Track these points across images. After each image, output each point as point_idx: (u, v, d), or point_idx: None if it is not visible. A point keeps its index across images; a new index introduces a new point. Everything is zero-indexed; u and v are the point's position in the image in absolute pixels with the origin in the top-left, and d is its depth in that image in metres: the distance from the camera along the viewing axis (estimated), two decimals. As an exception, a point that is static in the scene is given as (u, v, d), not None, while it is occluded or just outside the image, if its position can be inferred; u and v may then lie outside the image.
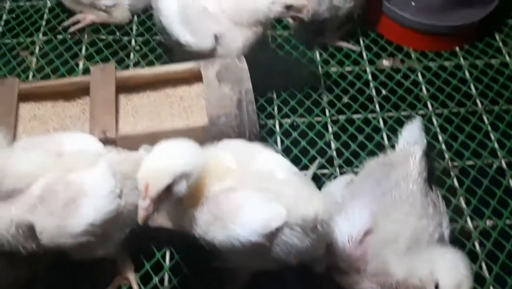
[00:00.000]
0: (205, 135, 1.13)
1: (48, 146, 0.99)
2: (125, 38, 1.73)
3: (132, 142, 1.10)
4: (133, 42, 1.73)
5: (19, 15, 1.82)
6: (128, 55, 1.69)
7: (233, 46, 1.24)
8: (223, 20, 1.24)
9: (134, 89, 1.29)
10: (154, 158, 0.85)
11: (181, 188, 0.83)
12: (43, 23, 1.79)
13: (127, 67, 1.65)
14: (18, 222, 0.90)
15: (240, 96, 1.12)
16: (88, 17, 1.73)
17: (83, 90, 1.27)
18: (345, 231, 1.03)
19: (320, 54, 1.70)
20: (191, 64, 1.23)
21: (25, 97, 1.24)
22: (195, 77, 1.28)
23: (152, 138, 0.95)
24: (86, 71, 1.63)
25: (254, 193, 0.88)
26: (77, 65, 1.66)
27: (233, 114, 1.12)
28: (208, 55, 1.25)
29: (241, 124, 1.12)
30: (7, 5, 1.86)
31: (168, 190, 0.82)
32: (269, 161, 0.94)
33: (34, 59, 1.68)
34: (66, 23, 1.75)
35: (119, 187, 0.98)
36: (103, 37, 1.74)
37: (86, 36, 1.74)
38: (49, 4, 1.85)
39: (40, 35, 1.75)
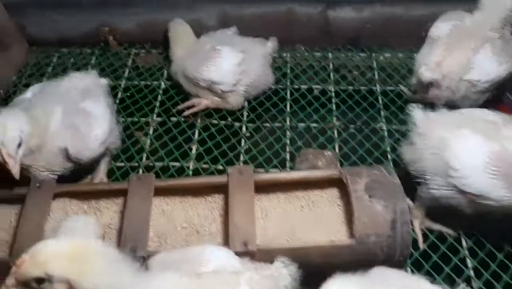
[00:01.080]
0: (351, 253, 1.04)
1: (185, 265, 0.95)
2: (237, 124, 1.74)
3: (270, 255, 1.03)
4: (244, 128, 1.73)
5: (134, 94, 1.88)
6: (239, 142, 1.69)
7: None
8: None
9: (263, 189, 1.24)
10: None
11: None
12: (157, 104, 1.84)
13: (238, 154, 1.64)
14: None
15: (395, 216, 1.04)
16: (203, 102, 1.75)
17: (213, 188, 1.24)
18: None
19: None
20: (332, 172, 1.17)
21: (157, 191, 1.22)
22: (328, 182, 1.22)
23: (292, 252, 0.93)
24: (199, 156, 1.64)
25: None
26: (190, 149, 1.67)
27: (385, 235, 1.03)
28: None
29: (393, 245, 1.03)
30: (122, 83, 1.94)
31: None
32: None
33: (148, 141, 1.71)
34: (180, 107, 1.78)
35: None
36: (215, 122, 1.75)
37: (199, 120, 1.76)
38: (163, 85, 1.91)
39: (155, 116, 1.79)
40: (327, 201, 1.21)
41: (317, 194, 1.23)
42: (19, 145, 1.17)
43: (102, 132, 1.38)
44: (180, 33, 1.79)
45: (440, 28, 1.56)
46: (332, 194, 1.22)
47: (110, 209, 1.27)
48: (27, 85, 1.95)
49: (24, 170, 1.24)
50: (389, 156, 1.59)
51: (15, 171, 1.16)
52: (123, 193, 1.23)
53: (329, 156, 1.47)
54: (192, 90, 1.76)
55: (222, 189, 1.23)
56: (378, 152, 1.59)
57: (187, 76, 1.72)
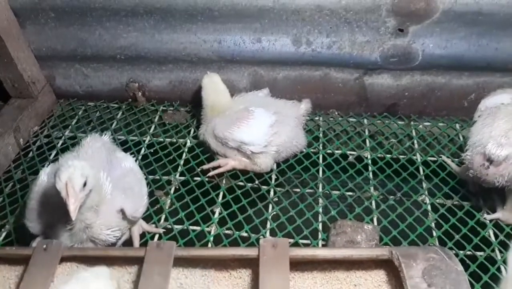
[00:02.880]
0: None
1: None
2: (264, 188, 1.61)
3: None
4: (272, 193, 1.60)
5: (158, 151, 1.79)
6: (266, 207, 1.55)
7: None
8: None
9: (298, 267, 1.08)
10: None
11: None
12: (182, 162, 1.74)
13: (265, 221, 1.49)
14: None
15: (461, 313, 0.86)
16: (230, 162, 1.65)
17: (240, 262, 1.08)
18: None
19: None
20: (380, 251, 1.01)
21: (176, 261, 1.08)
22: (374, 263, 1.05)
23: None
24: (222, 221, 1.50)
25: None
26: (213, 212, 1.53)
27: (449, 335, 0.85)
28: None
29: None
30: (147, 139, 1.86)
31: None
32: None
33: (169, 201, 1.58)
34: (205, 166, 1.68)
35: None
36: (241, 184, 1.63)
37: (224, 181, 1.65)
38: (189, 143, 1.82)
39: (178, 174, 1.69)
40: (372, 286, 1.04)
41: (360, 276, 1.05)
42: (84, 185, 1.13)
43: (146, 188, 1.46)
44: (216, 90, 1.72)
45: (497, 101, 1.44)
46: (378, 278, 1.04)
47: (121, 278, 1.12)
48: (48, 136, 1.91)
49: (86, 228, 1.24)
50: (434, 233, 1.43)
51: (73, 208, 1.08)
52: (138, 261, 1.09)
53: (369, 229, 1.31)
54: (220, 150, 1.67)
55: (250, 263, 1.08)
56: (421, 227, 1.43)
57: (216, 135, 1.64)
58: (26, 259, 1.09)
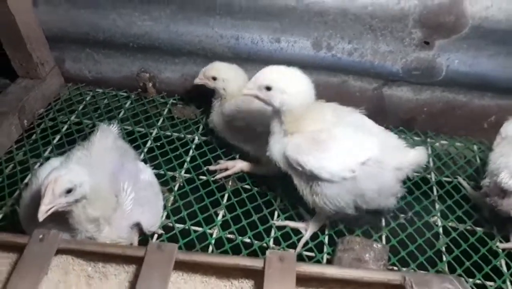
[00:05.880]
0: None
1: None
2: (271, 194, 1.55)
3: None
4: (278, 200, 1.54)
5: (164, 145, 1.74)
6: (272, 213, 1.49)
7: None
8: None
9: (303, 283, 1.02)
10: None
11: None
12: (188, 159, 1.68)
13: (269, 228, 1.44)
14: None
15: None
16: (238, 165, 1.59)
17: (243, 271, 1.03)
18: None
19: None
20: (393, 275, 0.95)
21: (176, 265, 1.02)
22: (385, 286, 0.99)
23: None
24: (225, 224, 1.45)
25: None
26: (216, 214, 1.48)
27: None
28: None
29: None
30: (154, 132, 1.81)
31: None
32: None
33: (172, 198, 1.53)
34: (212, 168, 1.62)
35: None
36: (247, 187, 1.58)
37: (230, 183, 1.59)
38: (197, 140, 1.77)
39: (183, 171, 1.64)
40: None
41: (371, 299, 1.00)
42: (68, 192, 1.07)
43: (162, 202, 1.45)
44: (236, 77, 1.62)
45: None
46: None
47: (117, 276, 1.06)
48: (53, 120, 1.85)
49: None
50: (444, 257, 1.37)
51: (43, 209, 1.03)
52: (137, 261, 1.03)
53: (378, 249, 1.25)
54: (228, 136, 1.63)
55: (253, 274, 1.02)
56: (431, 251, 1.37)
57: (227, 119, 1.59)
58: (21, 248, 1.04)
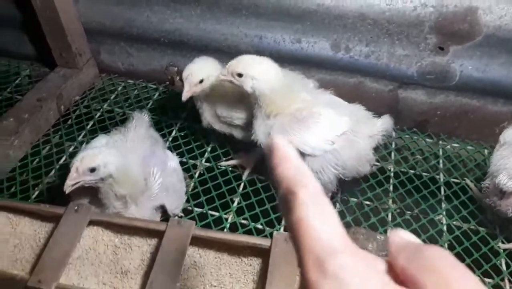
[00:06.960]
0: None
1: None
2: (285, 185, 1.65)
3: None
4: (291, 190, 1.64)
5: (187, 135, 1.87)
6: (284, 204, 1.59)
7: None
8: None
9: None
10: None
11: None
12: (209, 149, 1.80)
13: (280, 216, 1.54)
14: None
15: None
16: (251, 163, 1.69)
17: (252, 250, 1.14)
18: None
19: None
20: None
21: (193, 240, 1.14)
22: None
23: None
24: (239, 210, 1.56)
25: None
26: (232, 201, 1.59)
27: None
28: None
29: None
30: (179, 123, 1.93)
31: None
32: None
33: (192, 184, 1.65)
34: (223, 163, 1.73)
35: None
36: (262, 178, 1.68)
37: (246, 173, 1.69)
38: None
39: (204, 160, 1.76)
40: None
41: None
42: (92, 170, 1.18)
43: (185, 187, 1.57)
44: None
45: None
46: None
47: (140, 248, 1.19)
48: (87, 107, 2.01)
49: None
50: (446, 254, 1.44)
51: (68, 184, 1.15)
52: (158, 235, 1.16)
53: (381, 240, 1.33)
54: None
55: (261, 253, 1.13)
56: (434, 246, 1.44)
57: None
58: (57, 217, 1.18)
